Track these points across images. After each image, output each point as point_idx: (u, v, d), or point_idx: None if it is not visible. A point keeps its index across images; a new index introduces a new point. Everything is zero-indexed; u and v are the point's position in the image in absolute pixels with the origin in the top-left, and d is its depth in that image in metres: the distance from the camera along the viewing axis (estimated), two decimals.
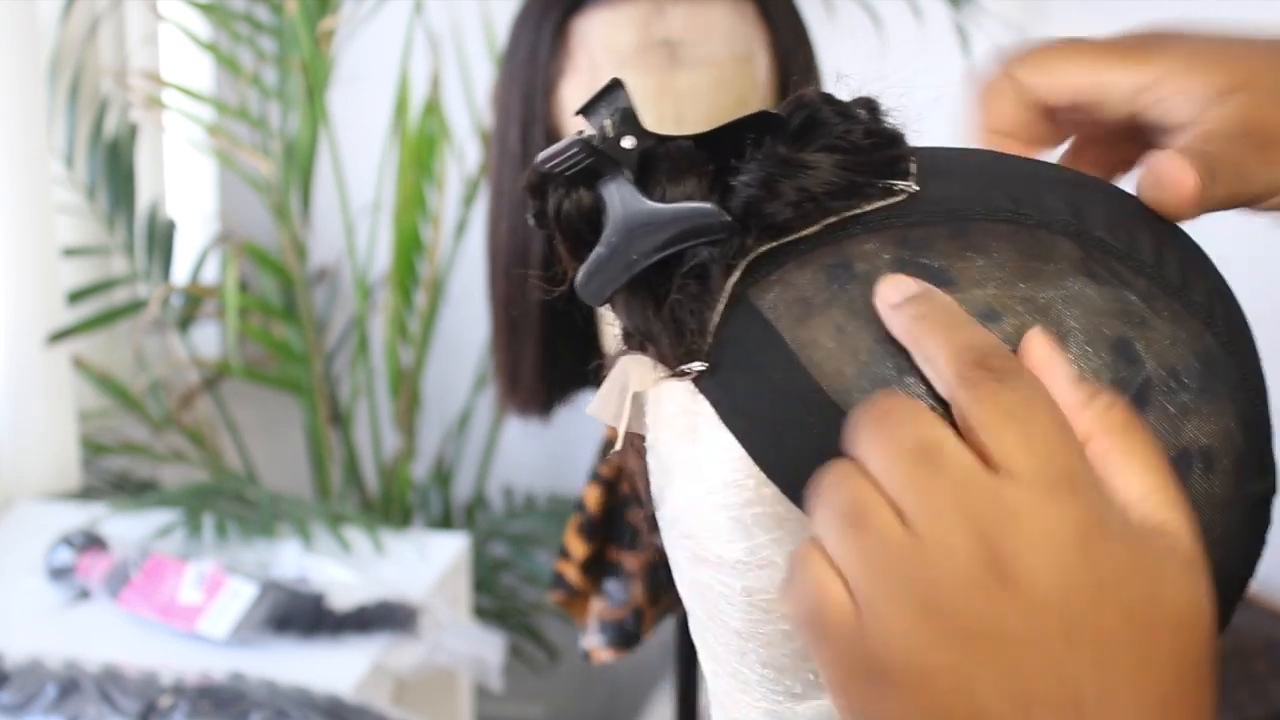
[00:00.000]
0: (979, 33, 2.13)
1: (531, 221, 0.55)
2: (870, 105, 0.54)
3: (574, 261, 0.55)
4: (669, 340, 0.53)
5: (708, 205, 0.52)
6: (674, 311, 0.53)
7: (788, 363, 0.51)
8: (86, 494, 2.05)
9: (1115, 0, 2.12)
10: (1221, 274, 0.55)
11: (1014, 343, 0.49)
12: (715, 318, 0.52)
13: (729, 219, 0.52)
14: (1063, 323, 0.50)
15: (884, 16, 2.13)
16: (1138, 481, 0.47)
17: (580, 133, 0.53)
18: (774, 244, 0.52)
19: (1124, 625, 0.45)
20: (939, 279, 0.50)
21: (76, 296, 2.12)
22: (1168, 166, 0.54)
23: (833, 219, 0.52)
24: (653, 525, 0.58)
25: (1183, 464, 0.50)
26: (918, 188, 0.52)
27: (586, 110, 0.54)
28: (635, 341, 0.55)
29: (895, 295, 0.50)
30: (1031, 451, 0.46)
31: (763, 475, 0.51)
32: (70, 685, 1.48)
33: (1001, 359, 0.47)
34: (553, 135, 1.54)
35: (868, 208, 0.52)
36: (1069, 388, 0.48)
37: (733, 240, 0.52)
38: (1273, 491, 0.54)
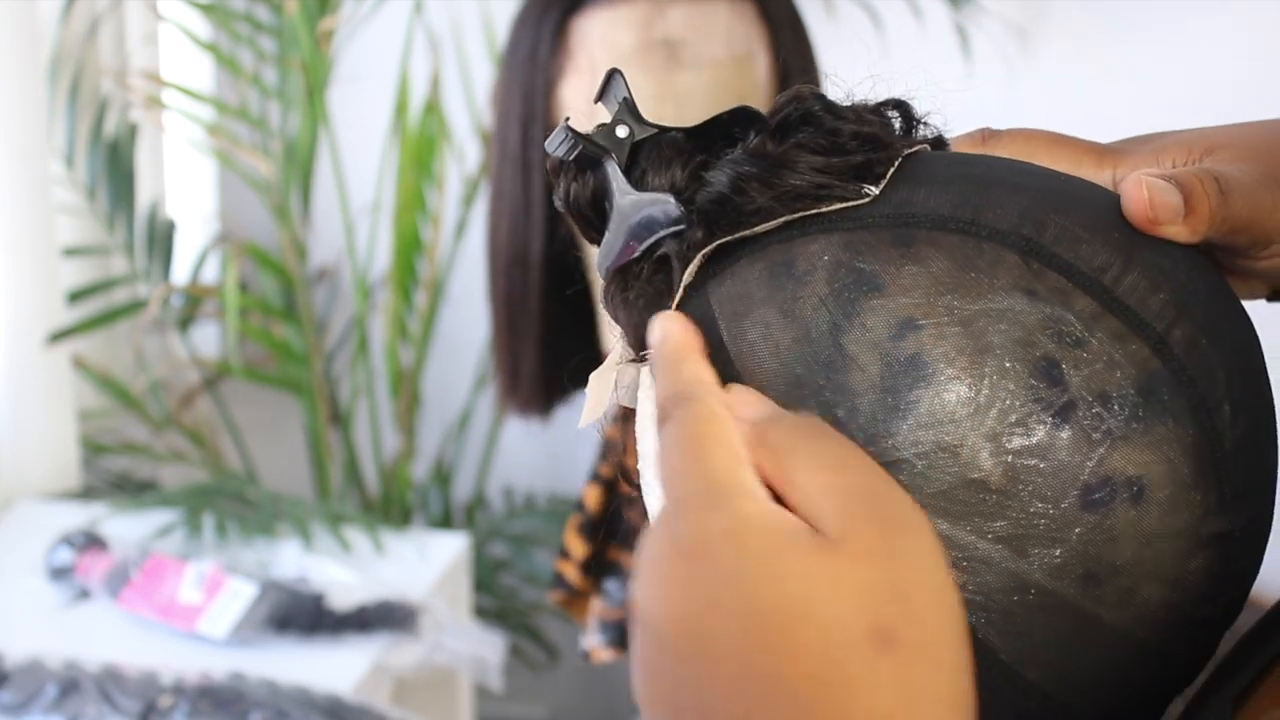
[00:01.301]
0: (979, 33, 2.13)
1: (558, 204, 0.56)
2: (897, 105, 0.55)
3: (588, 242, 0.56)
4: (630, 328, 0.55)
5: (665, 196, 0.52)
6: (636, 300, 0.54)
7: (720, 355, 0.52)
8: (86, 494, 2.05)
9: (1115, 1, 2.13)
10: (1219, 300, 0.53)
11: (928, 356, 0.49)
12: (671, 307, 0.53)
13: (681, 211, 0.52)
14: (983, 337, 0.49)
15: (884, 17, 2.13)
16: (799, 490, 0.47)
17: (567, 119, 0.54)
18: (729, 238, 0.52)
19: (742, 634, 0.44)
20: (869, 283, 0.50)
21: (76, 296, 2.12)
22: (1125, 188, 0.53)
23: (790, 217, 0.52)
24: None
25: (1104, 493, 0.49)
26: (876, 192, 0.52)
27: (600, 97, 0.55)
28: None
29: (654, 334, 0.52)
30: (669, 483, 0.48)
31: None
32: (70, 685, 1.48)
33: (673, 403, 0.49)
34: None
35: (825, 209, 0.52)
36: (750, 411, 0.49)
37: (691, 232, 0.53)
38: (1235, 530, 0.51)
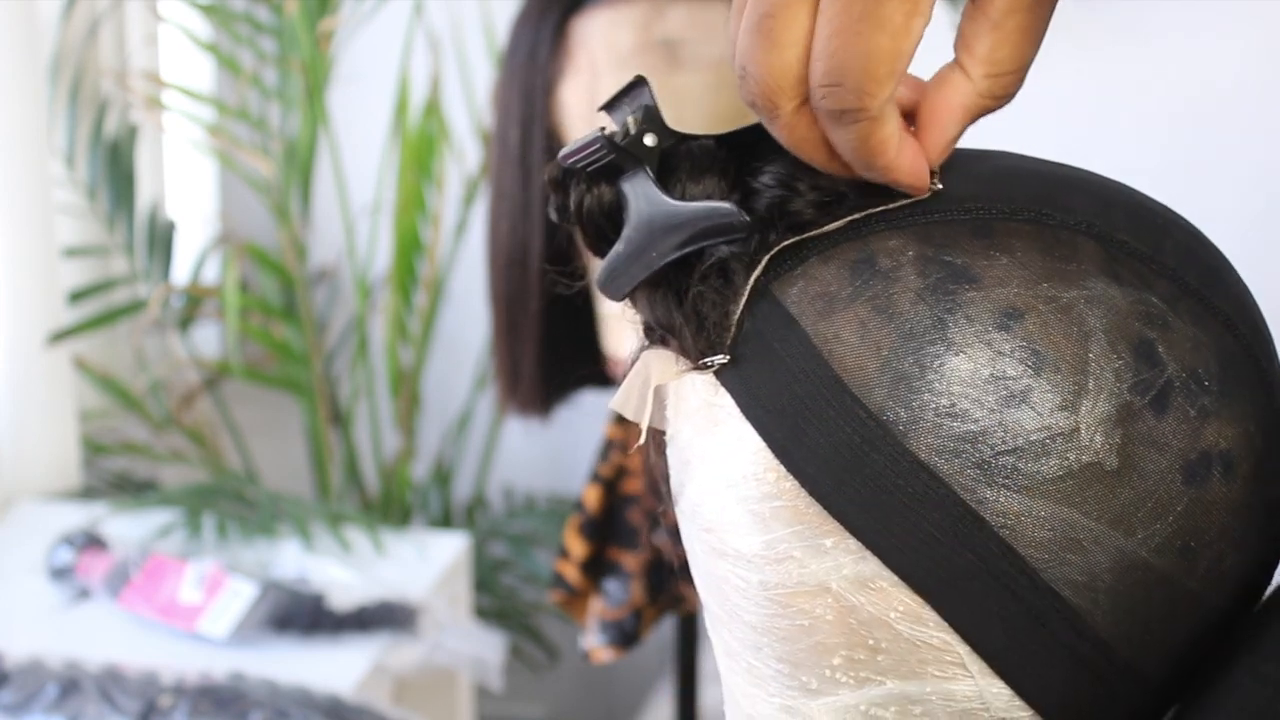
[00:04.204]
0: None
1: (554, 216, 0.56)
2: None
3: (595, 256, 0.55)
4: (691, 333, 0.53)
5: (727, 205, 0.52)
6: (696, 305, 0.53)
7: (810, 356, 0.51)
8: (87, 494, 2.06)
9: (1114, 1, 2.13)
10: (1242, 278, 0.55)
11: (1035, 342, 0.50)
12: (738, 311, 0.52)
13: (748, 219, 0.52)
14: (1085, 322, 0.50)
15: None
16: None
17: (603, 129, 0.53)
18: (797, 238, 0.52)
19: None
20: (962, 276, 0.50)
21: (77, 296, 2.13)
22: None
23: (856, 215, 0.52)
24: (656, 523, 0.58)
25: (1202, 468, 0.50)
26: (940, 185, 0.52)
27: (610, 106, 0.54)
28: (657, 335, 0.56)
29: None
30: None
31: (782, 468, 0.51)
32: (71, 685, 1.48)
33: None
34: (553, 135, 1.54)
35: (891, 205, 0.52)
36: None
37: (754, 235, 0.52)
38: None
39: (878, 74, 0.49)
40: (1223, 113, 2.12)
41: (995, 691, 0.50)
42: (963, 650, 0.50)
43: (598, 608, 1.70)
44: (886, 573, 0.50)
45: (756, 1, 0.50)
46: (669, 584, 1.66)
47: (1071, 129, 2.12)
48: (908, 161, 0.51)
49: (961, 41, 0.53)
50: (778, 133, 0.51)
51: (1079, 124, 2.15)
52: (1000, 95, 0.53)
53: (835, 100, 0.49)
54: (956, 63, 0.53)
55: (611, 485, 1.68)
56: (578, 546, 1.68)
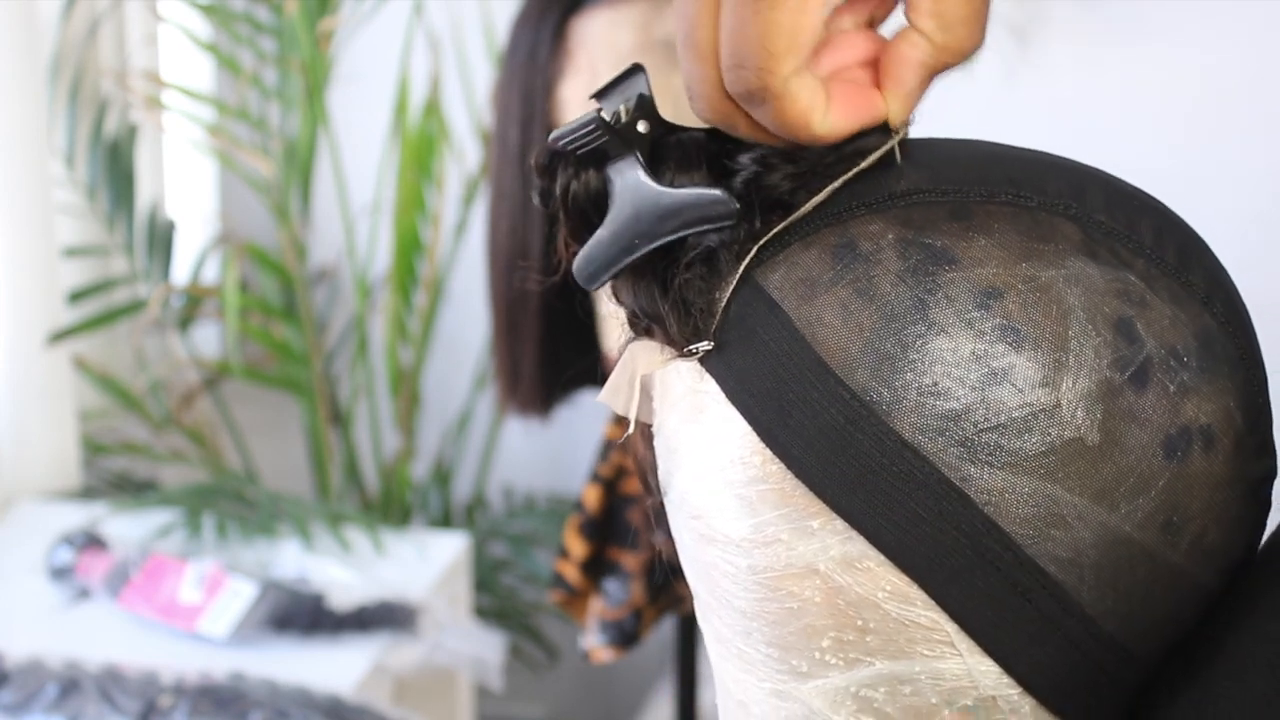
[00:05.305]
0: None
1: (536, 200, 0.56)
2: None
3: (575, 243, 0.55)
4: (676, 321, 0.54)
5: (717, 192, 0.52)
6: (682, 292, 0.53)
7: (794, 340, 0.51)
8: (87, 494, 2.06)
9: (1115, 1, 2.13)
10: (1219, 259, 0.55)
11: (1015, 321, 0.50)
12: (724, 297, 0.53)
13: (737, 206, 0.52)
14: (1064, 301, 0.50)
15: None
16: None
17: (599, 110, 0.54)
18: (785, 223, 0.53)
19: None
20: (942, 258, 0.51)
21: (77, 296, 2.13)
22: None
23: (836, 184, 0.52)
24: (653, 519, 0.58)
25: (1182, 443, 0.51)
26: (901, 135, 0.53)
27: (603, 93, 0.55)
28: (642, 325, 0.56)
29: None
30: None
31: (768, 452, 0.52)
32: (71, 685, 1.48)
33: None
34: None
35: (864, 164, 0.52)
36: None
37: (740, 224, 0.53)
38: (1272, 474, 0.54)
39: (776, 50, 0.49)
40: (1224, 113, 2.12)
41: (984, 669, 0.51)
42: (951, 629, 0.51)
43: (598, 608, 1.70)
44: (873, 552, 0.51)
45: (678, 20, 0.51)
46: (669, 584, 1.66)
47: (1072, 129, 2.12)
48: (838, 127, 0.51)
49: (907, 1, 0.53)
50: (749, 135, 0.52)
51: (1079, 124, 2.15)
52: (956, 49, 0.53)
53: (739, 82, 0.50)
54: (909, 20, 0.53)
55: (611, 485, 1.68)
56: (578, 546, 1.68)
